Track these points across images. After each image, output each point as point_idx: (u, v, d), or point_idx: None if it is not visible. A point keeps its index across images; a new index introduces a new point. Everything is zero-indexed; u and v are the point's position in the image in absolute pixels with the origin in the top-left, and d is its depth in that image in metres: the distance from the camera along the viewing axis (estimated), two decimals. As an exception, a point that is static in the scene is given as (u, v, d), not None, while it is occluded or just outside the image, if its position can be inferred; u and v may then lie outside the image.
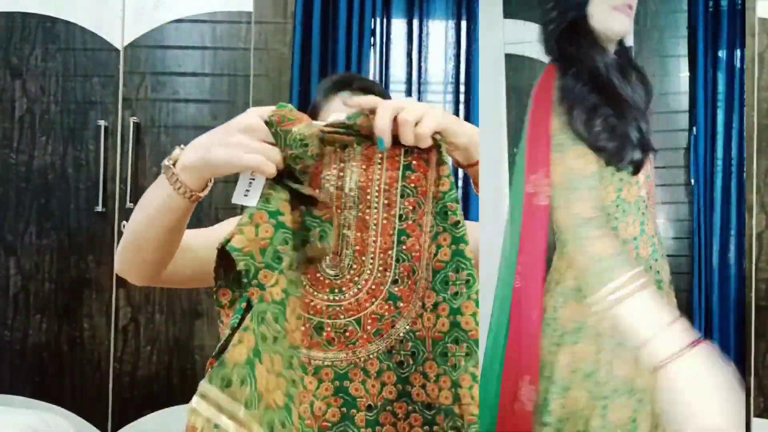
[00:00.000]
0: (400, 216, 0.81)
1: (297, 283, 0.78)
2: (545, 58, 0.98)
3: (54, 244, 2.17)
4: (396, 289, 0.81)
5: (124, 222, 2.13)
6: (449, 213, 0.79)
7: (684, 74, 2.24)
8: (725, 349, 2.31)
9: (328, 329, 0.80)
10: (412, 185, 0.80)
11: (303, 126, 0.75)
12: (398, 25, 2.41)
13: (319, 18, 2.24)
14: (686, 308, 2.27)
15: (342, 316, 0.81)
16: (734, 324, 2.13)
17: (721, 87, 2.18)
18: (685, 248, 2.30)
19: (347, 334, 0.80)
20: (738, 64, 2.14)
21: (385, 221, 0.81)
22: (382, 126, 0.77)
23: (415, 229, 0.81)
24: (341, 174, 0.80)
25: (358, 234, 0.81)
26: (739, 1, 2.08)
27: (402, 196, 0.80)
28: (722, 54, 2.17)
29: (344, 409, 0.80)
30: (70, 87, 2.18)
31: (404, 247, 0.81)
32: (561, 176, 0.85)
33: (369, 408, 0.80)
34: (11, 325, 2.17)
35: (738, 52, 2.13)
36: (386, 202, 0.81)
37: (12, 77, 2.18)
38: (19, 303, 2.16)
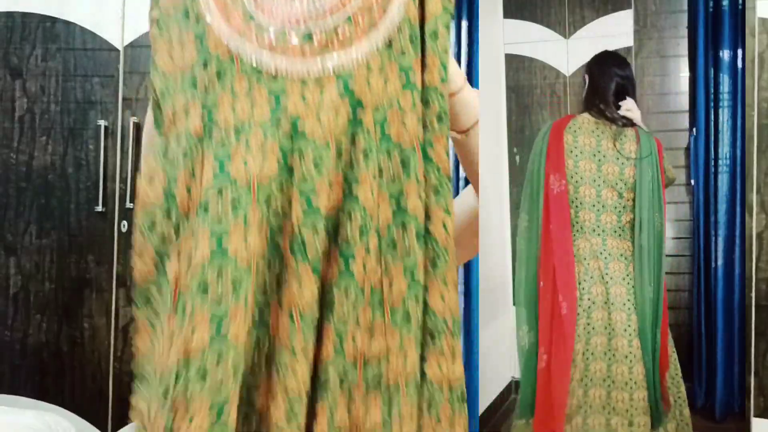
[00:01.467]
0: None
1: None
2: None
3: (54, 244, 2.17)
4: None
5: (125, 222, 2.13)
6: None
7: (684, 74, 2.25)
8: (728, 349, 2.30)
9: (319, 34, 0.71)
10: None
11: None
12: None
13: (319, 18, 2.24)
14: (687, 308, 2.27)
15: (329, 16, 0.72)
16: (738, 323, 2.14)
17: (721, 87, 2.18)
18: (685, 248, 2.30)
19: (340, 35, 0.71)
20: (738, 64, 2.14)
21: None
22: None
23: None
24: None
25: None
26: (740, 1, 2.08)
27: None
28: (722, 54, 2.17)
29: (354, 110, 0.71)
30: (70, 87, 2.18)
31: None
32: None
33: (376, 109, 0.72)
34: (11, 325, 2.16)
35: (738, 52, 2.13)
36: None
37: (12, 77, 2.17)
38: (19, 303, 2.16)
